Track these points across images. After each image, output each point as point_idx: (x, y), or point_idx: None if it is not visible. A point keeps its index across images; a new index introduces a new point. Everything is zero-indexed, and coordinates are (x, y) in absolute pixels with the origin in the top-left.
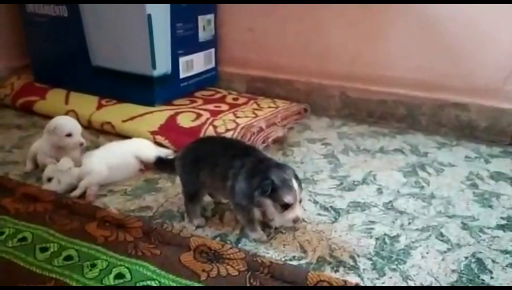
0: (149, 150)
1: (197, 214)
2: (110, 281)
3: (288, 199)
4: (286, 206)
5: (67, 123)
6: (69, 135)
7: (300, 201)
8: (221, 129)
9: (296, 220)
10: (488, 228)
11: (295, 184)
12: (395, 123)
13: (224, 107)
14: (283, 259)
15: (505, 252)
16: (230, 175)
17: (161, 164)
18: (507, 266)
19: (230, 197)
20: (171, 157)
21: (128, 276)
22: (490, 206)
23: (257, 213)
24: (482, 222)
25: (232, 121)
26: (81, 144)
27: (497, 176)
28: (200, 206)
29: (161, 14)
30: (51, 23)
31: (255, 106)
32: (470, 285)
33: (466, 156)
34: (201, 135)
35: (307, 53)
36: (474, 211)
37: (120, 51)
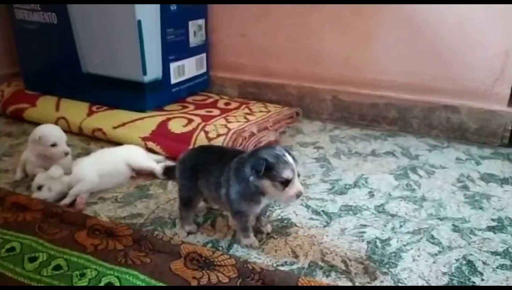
0: (140, 157)
1: (190, 221)
2: None
3: (286, 174)
4: (286, 183)
5: (51, 133)
6: (53, 145)
7: (299, 175)
8: (212, 135)
9: (299, 195)
10: (479, 230)
11: (289, 158)
12: (387, 126)
13: (215, 112)
14: (274, 264)
15: (496, 253)
16: (222, 182)
17: (168, 172)
18: (497, 267)
19: (228, 206)
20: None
21: (117, 285)
22: (481, 208)
23: (251, 220)
24: (473, 224)
25: (224, 126)
26: (66, 154)
27: (487, 178)
28: (194, 212)
29: (151, 20)
30: (41, 30)
31: (246, 110)
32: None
33: (457, 158)
34: (193, 140)
35: (299, 57)
36: (465, 213)
37: (110, 58)
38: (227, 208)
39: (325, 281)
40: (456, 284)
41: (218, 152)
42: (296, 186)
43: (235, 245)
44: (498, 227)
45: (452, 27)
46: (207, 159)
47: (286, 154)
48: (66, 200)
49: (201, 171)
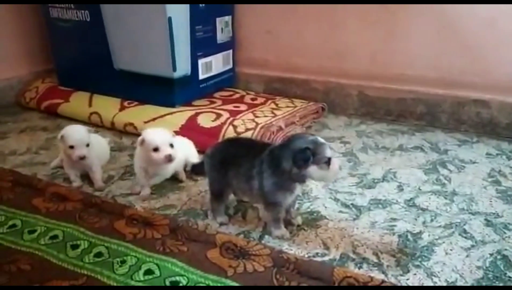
0: (195, 152)
1: (221, 212)
2: (140, 277)
3: (328, 153)
4: (329, 161)
5: (70, 135)
6: (71, 147)
7: None
8: (241, 129)
9: (340, 167)
10: None
11: (319, 138)
12: (414, 121)
13: (243, 107)
14: (306, 256)
15: None
16: (254, 175)
17: (196, 168)
18: None
19: (261, 198)
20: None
21: (157, 272)
22: None
23: (282, 212)
24: (506, 219)
25: (252, 121)
26: (82, 158)
27: None
28: (225, 204)
29: (181, 17)
30: (74, 28)
31: (273, 105)
32: (497, 282)
33: (488, 153)
34: (221, 135)
35: (325, 53)
36: (498, 208)
37: (141, 54)
38: (258, 200)
39: (359, 272)
40: (491, 278)
41: (246, 144)
42: (335, 160)
43: (266, 237)
44: None
45: (483, 21)
46: (236, 152)
47: (315, 136)
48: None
49: (231, 163)
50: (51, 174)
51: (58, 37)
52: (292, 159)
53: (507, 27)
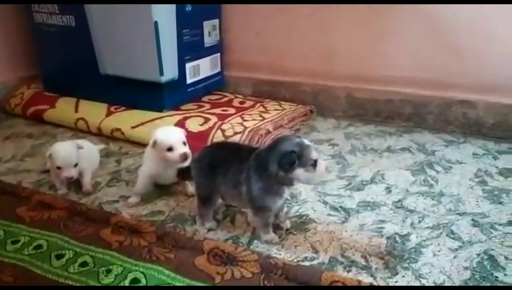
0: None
1: (209, 217)
2: (126, 286)
3: (314, 155)
4: (315, 163)
5: (58, 156)
6: (58, 167)
7: None
8: (229, 133)
9: (327, 168)
10: (499, 224)
11: (305, 140)
12: (402, 122)
13: (231, 110)
14: (295, 260)
15: None
16: (242, 180)
17: (182, 173)
18: None
19: (249, 203)
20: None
21: (143, 281)
22: (501, 203)
23: (271, 216)
24: (493, 219)
25: (240, 125)
26: (68, 179)
27: (506, 173)
28: (213, 209)
29: (167, 21)
30: (59, 33)
31: (261, 109)
32: (483, 282)
33: (474, 153)
34: (210, 139)
35: (313, 55)
36: (485, 208)
37: (128, 59)
38: (246, 205)
39: (347, 276)
40: (478, 279)
41: (233, 149)
42: (321, 161)
43: (255, 241)
44: None
45: (469, 22)
46: (224, 157)
47: (301, 138)
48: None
49: (218, 168)
50: (37, 181)
51: (43, 43)
52: (278, 163)
53: (492, 28)
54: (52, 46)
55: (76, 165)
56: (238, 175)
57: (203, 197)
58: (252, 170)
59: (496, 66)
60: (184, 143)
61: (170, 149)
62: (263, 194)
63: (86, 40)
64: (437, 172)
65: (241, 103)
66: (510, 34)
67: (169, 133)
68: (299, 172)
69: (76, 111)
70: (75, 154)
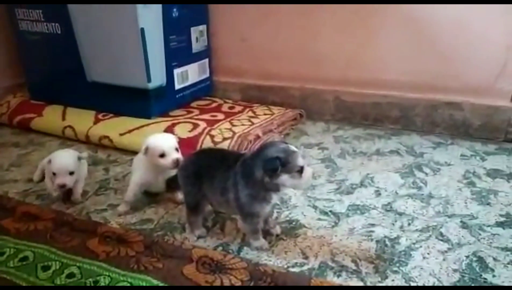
0: None
1: (199, 225)
2: None
3: (300, 162)
4: (301, 169)
5: (55, 163)
6: (54, 174)
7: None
8: (218, 138)
9: (313, 174)
10: (488, 226)
11: (291, 146)
12: (390, 125)
13: (220, 116)
14: (285, 266)
15: (506, 249)
16: (229, 187)
17: (171, 183)
18: (508, 263)
19: (237, 210)
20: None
21: None
22: (489, 204)
23: (260, 222)
24: (481, 220)
25: (229, 130)
26: (61, 187)
27: (493, 173)
28: (202, 216)
29: (154, 27)
30: (44, 41)
31: (251, 114)
32: (473, 284)
33: (462, 155)
34: (199, 145)
35: (301, 59)
36: (473, 209)
37: (115, 66)
38: (235, 212)
39: (336, 281)
40: (467, 281)
41: (219, 155)
42: (308, 168)
43: (245, 248)
44: (507, 222)
45: (453, 24)
46: (210, 163)
47: (287, 144)
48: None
49: (205, 175)
50: (23, 192)
51: (28, 50)
52: (262, 168)
53: (477, 29)
54: (37, 54)
55: (72, 173)
56: (225, 181)
57: (191, 205)
58: (238, 176)
59: (481, 67)
60: (177, 149)
61: (162, 155)
62: (250, 201)
63: (72, 47)
64: (426, 174)
65: (230, 108)
66: (494, 36)
67: (162, 139)
68: (284, 178)
69: (64, 119)
70: (73, 163)
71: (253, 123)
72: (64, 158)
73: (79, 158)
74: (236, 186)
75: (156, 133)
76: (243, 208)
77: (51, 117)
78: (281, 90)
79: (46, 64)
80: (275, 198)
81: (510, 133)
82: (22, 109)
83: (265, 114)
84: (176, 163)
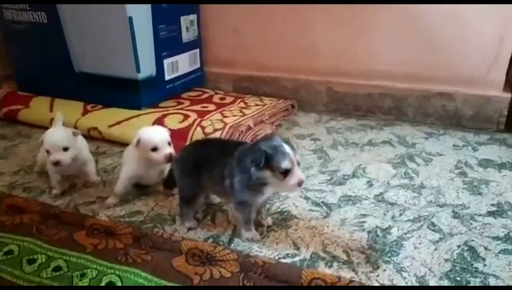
0: None
1: (190, 217)
2: None
3: (285, 164)
4: (286, 173)
5: (46, 140)
6: (47, 151)
7: (299, 164)
8: (209, 130)
9: (300, 183)
10: (479, 215)
11: (287, 148)
12: (382, 115)
13: (211, 107)
14: (276, 257)
15: (497, 238)
16: (226, 174)
17: (168, 182)
18: (499, 252)
19: (232, 197)
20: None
21: (119, 284)
22: (480, 194)
23: (252, 213)
24: (472, 210)
25: (220, 121)
26: (55, 164)
27: (485, 163)
28: (195, 209)
29: (142, 16)
30: (30, 30)
31: (242, 104)
32: (464, 274)
33: (454, 145)
34: (190, 136)
35: (293, 50)
36: (465, 199)
37: (103, 56)
38: (230, 199)
39: (328, 271)
40: (459, 270)
41: (218, 145)
42: (297, 175)
43: (236, 240)
44: (498, 212)
45: (445, 15)
46: (208, 153)
47: (284, 145)
48: None
49: (203, 166)
50: (10, 184)
51: (14, 41)
52: (251, 159)
53: (468, 20)
54: (24, 44)
55: (66, 149)
56: (223, 168)
57: (186, 197)
58: (234, 163)
59: (473, 58)
60: (169, 143)
61: (154, 149)
62: (243, 189)
63: (59, 37)
64: (418, 164)
65: (221, 99)
66: (486, 27)
67: (154, 133)
68: (267, 175)
69: (51, 110)
70: (65, 138)
71: (244, 114)
72: (56, 134)
73: (74, 134)
74: (231, 173)
75: (146, 124)
76: (236, 195)
77: (39, 108)
78: (274, 81)
79: (33, 54)
80: (268, 191)
81: (501, 124)
82: (9, 101)
83: (256, 105)
84: (169, 158)
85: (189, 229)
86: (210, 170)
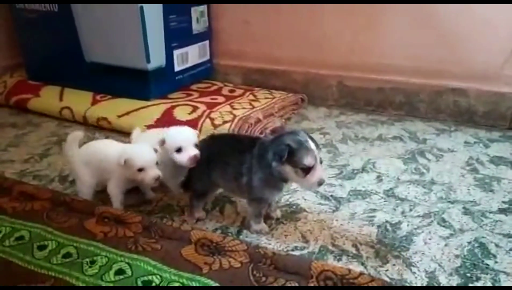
0: None
1: (199, 209)
2: (110, 277)
3: (308, 161)
4: (307, 170)
5: (140, 156)
6: (140, 169)
7: (321, 162)
8: (218, 121)
9: (321, 182)
10: (490, 212)
11: (312, 144)
12: (393, 110)
13: (220, 99)
14: (285, 250)
15: (508, 236)
16: (244, 171)
17: (186, 184)
18: (510, 249)
19: (247, 193)
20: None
21: (128, 271)
22: (491, 191)
23: (265, 208)
24: (484, 207)
25: (229, 113)
26: (157, 179)
27: (497, 160)
28: (205, 201)
29: (153, 6)
30: (41, 19)
31: (251, 97)
32: (474, 270)
33: (466, 142)
34: (198, 127)
35: (304, 43)
36: (476, 196)
37: (113, 46)
38: (244, 196)
39: (337, 265)
40: (469, 267)
41: (232, 140)
42: (318, 173)
43: (244, 231)
44: (509, 209)
45: (459, 10)
46: (221, 149)
47: (309, 140)
48: None
49: (215, 161)
50: (20, 172)
51: (25, 29)
52: (273, 152)
53: (482, 15)
54: (35, 33)
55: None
56: (240, 166)
57: (199, 192)
58: (254, 160)
59: (487, 53)
60: (196, 145)
61: (179, 150)
62: (261, 185)
63: (70, 27)
64: (429, 160)
65: (230, 91)
66: (500, 22)
67: (180, 133)
68: (288, 169)
69: (61, 99)
70: (153, 153)
71: (253, 107)
72: (147, 150)
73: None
74: (250, 170)
75: (155, 115)
76: (253, 191)
77: (48, 97)
78: (284, 74)
79: (43, 43)
80: (285, 187)
81: None
82: (19, 90)
83: (266, 98)
84: (194, 160)
85: (198, 220)
86: (224, 167)
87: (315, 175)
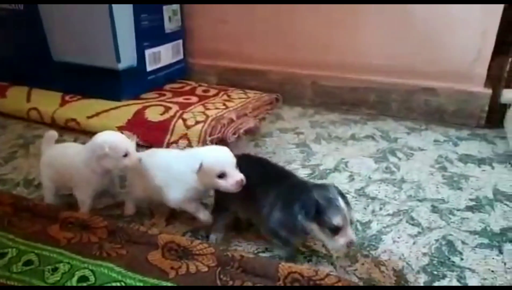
0: None
1: (220, 228)
2: (72, 284)
3: (337, 221)
4: (336, 230)
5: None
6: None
7: (352, 223)
8: (190, 122)
9: (350, 245)
10: (458, 210)
11: (342, 203)
12: (367, 110)
13: (193, 99)
14: (255, 251)
15: (474, 232)
16: (266, 204)
17: (220, 204)
18: (476, 246)
19: (263, 223)
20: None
21: (92, 278)
22: (459, 188)
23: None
24: (451, 204)
25: (202, 113)
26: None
27: (465, 158)
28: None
29: (123, 4)
30: (6, 18)
31: (225, 97)
32: (441, 268)
33: (435, 140)
34: (171, 128)
35: (279, 43)
36: (444, 193)
37: (82, 44)
38: (261, 224)
39: (306, 266)
40: (436, 264)
41: (261, 167)
42: (347, 234)
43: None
44: (476, 206)
45: (431, 9)
46: (250, 173)
47: (339, 198)
48: None
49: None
50: None
51: None
52: (300, 205)
53: (454, 14)
54: (0, 32)
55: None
56: (263, 199)
57: (217, 208)
58: (280, 201)
59: (458, 53)
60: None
61: (222, 175)
62: (279, 227)
63: (37, 25)
64: (399, 159)
65: (204, 91)
66: (471, 21)
67: (219, 155)
68: (314, 227)
69: (28, 100)
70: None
71: (227, 107)
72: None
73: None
74: (272, 206)
75: (126, 116)
76: (268, 222)
77: (15, 98)
78: (259, 74)
79: (9, 42)
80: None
81: (482, 119)
82: None
83: (240, 98)
84: (241, 184)
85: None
86: (247, 196)
87: (343, 236)
